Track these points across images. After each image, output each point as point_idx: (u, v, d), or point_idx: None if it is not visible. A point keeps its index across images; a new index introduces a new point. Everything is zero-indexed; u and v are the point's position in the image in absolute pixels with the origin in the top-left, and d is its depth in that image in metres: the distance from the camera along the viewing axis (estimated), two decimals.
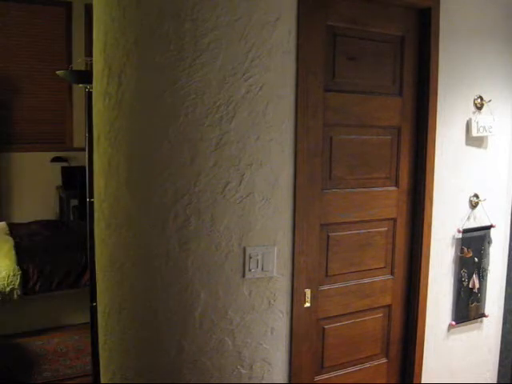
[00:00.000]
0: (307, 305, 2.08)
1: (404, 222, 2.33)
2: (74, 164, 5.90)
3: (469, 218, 2.49)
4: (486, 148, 2.51)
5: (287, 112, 1.92)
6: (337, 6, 2.03)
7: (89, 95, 2.54)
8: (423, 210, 2.31)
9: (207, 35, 1.75)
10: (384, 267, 2.31)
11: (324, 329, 2.18)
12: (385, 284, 2.32)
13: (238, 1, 1.78)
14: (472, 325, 2.60)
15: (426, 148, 2.28)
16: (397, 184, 2.29)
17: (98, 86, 1.88)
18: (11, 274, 3.73)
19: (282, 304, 2.01)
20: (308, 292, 2.08)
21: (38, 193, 5.90)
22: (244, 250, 1.89)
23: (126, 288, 1.87)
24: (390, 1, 2.14)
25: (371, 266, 2.26)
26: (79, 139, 5.92)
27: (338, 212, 2.14)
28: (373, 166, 2.21)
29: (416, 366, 2.40)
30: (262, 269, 1.93)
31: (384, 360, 2.38)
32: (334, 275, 2.18)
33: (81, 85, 2.80)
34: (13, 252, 3.93)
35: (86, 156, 2.61)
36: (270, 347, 2.00)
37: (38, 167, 5.87)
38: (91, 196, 2.49)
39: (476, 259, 2.52)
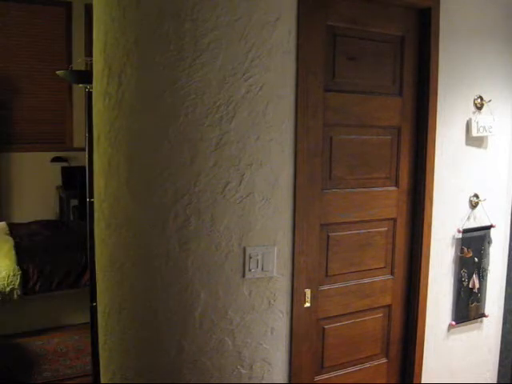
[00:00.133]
0: (307, 305, 2.08)
1: (404, 222, 2.33)
2: (74, 164, 5.90)
3: (469, 218, 2.49)
4: (486, 148, 2.51)
5: (287, 112, 1.92)
6: (337, 6, 2.03)
7: (89, 95, 2.54)
8: (423, 210, 2.31)
9: (207, 35, 1.75)
10: (384, 267, 2.31)
11: (324, 329, 2.18)
12: (385, 284, 2.32)
13: (237, 1, 1.78)
14: (472, 325, 2.60)
15: (426, 148, 2.28)
16: (397, 184, 2.29)
17: (98, 86, 1.88)
18: (11, 273, 3.73)
19: (282, 304, 2.01)
20: (308, 292, 2.08)
21: (38, 193, 5.90)
22: (244, 249, 1.89)
23: (126, 288, 1.87)
24: (390, 1, 2.14)
25: (371, 266, 2.26)
26: (79, 139, 5.92)
27: (338, 212, 2.14)
28: (373, 166, 2.21)
29: (416, 366, 2.40)
30: (262, 269, 1.93)
31: (384, 360, 2.38)
32: (334, 275, 2.18)
33: (81, 85, 2.80)
34: (13, 252, 3.93)
35: (86, 156, 2.61)
36: (270, 347, 2.00)
37: (38, 167, 5.87)
38: (91, 196, 2.49)
39: (476, 259, 2.52)
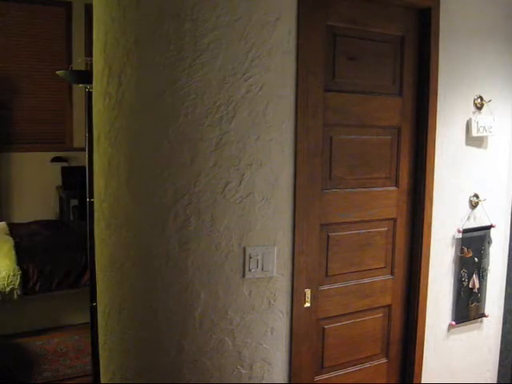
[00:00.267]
0: (307, 305, 2.08)
1: (404, 222, 2.33)
2: (74, 164, 5.90)
3: (469, 218, 2.49)
4: (486, 148, 2.51)
5: (287, 112, 1.92)
6: (337, 6, 2.03)
7: (89, 95, 2.54)
8: (423, 210, 2.31)
9: (207, 35, 1.75)
10: (384, 267, 2.31)
11: (324, 329, 2.18)
12: (385, 284, 2.32)
13: (237, 1, 1.78)
14: (472, 325, 2.60)
15: (426, 148, 2.28)
16: (397, 184, 2.29)
17: (98, 85, 1.88)
18: (11, 273, 3.73)
19: (282, 304, 2.01)
20: (308, 292, 2.08)
21: (38, 193, 5.90)
22: (244, 249, 1.89)
23: (126, 288, 1.87)
24: (390, 1, 2.14)
25: (371, 266, 2.26)
26: (79, 139, 5.92)
27: (338, 212, 2.14)
28: (373, 166, 2.21)
29: (416, 366, 2.40)
30: (262, 269, 1.93)
31: (384, 360, 2.38)
32: (334, 275, 2.18)
33: (81, 85, 2.80)
34: (13, 252, 3.93)
35: (86, 156, 2.61)
36: (270, 347, 2.00)
37: (37, 167, 5.87)
38: (91, 196, 2.49)
39: (476, 259, 2.52)
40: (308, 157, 1.99)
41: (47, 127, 5.93)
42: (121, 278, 1.87)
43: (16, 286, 3.72)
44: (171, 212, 1.80)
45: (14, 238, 4.23)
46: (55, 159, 5.87)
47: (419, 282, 2.35)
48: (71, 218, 5.62)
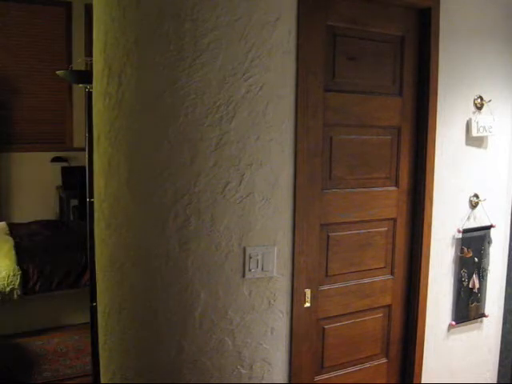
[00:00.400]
0: (307, 305, 2.08)
1: (404, 222, 2.33)
2: (74, 164, 5.90)
3: (469, 218, 2.49)
4: (486, 148, 2.51)
5: (287, 112, 1.92)
6: (337, 6, 2.03)
7: (89, 95, 2.54)
8: (423, 210, 2.31)
9: (207, 35, 1.75)
10: (384, 267, 2.31)
11: (324, 329, 2.18)
12: (385, 284, 2.32)
13: (237, 1, 1.78)
14: (472, 325, 2.60)
15: (426, 148, 2.28)
16: (397, 184, 2.29)
17: (98, 86, 1.88)
18: (11, 273, 3.73)
19: (282, 304, 2.01)
20: (308, 292, 2.08)
21: (38, 193, 5.90)
22: (244, 250, 1.89)
23: (126, 288, 1.87)
24: (390, 1, 2.14)
25: (371, 266, 2.26)
26: (79, 139, 5.92)
27: (338, 212, 2.14)
28: (373, 166, 2.21)
29: (416, 366, 2.40)
30: (262, 269, 1.93)
31: (384, 360, 2.38)
32: (334, 275, 2.18)
33: (81, 85, 2.80)
34: (13, 252, 3.93)
35: (86, 156, 2.61)
36: (270, 347, 2.00)
37: (37, 167, 5.87)
38: (91, 196, 2.49)
39: (476, 259, 2.52)
40: (308, 157, 1.99)
41: (47, 127, 5.93)
42: (121, 278, 1.87)
43: (16, 286, 3.72)
44: (171, 212, 1.80)
45: (14, 238, 4.23)
46: (55, 159, 5.87)
47: (419, 282, 2.35)
48: (71, 217, 5.62)
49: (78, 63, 3.80)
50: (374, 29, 2.14)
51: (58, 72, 2.82)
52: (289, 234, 1.98)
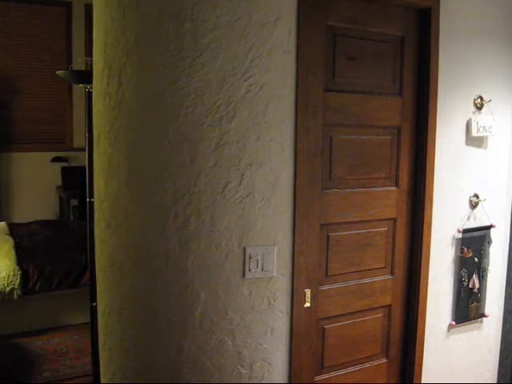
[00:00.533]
0: (307, 305, 2.08)
1: (404, 222, 2.33)
2: (74, 164, 5.90)
3: (469, 218, 2.49)
4: (486, 148, 2.51)
5: (287, 112, 1.92)
6: (337, 6, 2.03)
7: (89, 95, 2.54)
8: (423, 210, 2.31)
9: (207, 35, 1.75)
10: (384, 267, 2.31)
11: (324, 329, 2.18)
12: (385, 284, 2.32)
13: (237, 1, 1.78)
14: (472, 325, 2.60)
15: (426, 148, 2.28)
16: (397, 184, 2.29)
17: (98, 86, 1.88)
18: (11, 273, 3.73)
19: (282, 304, 2.01)
20: (308, 292, 2.08)
21: (38, 193, 5.90)
22: (244, 250, 1.89)
23: (126, 288, 1.87)
24: (390, 1, 2.14)
25: (371, 266, 2.26)
26: (79, 139, 5.92)
27: (338, 212, 2.14)
28: (373, 166, 2.21)
29: (416, 366, 2.40)
30: (262, 269, 1.93)
31: (384, 360, 2.38)
32: (334, 275, 2.18)
33: (81, 85, 2.80)
34: (13, 252, 3.93)
35: (86, 156, 2.61)
36: (270, 347, 2.00)
37: (37, 167, 5.87)
38: (91, 196, 2.49)
39: (476, 259, 2.52)
40: (308, 157, 1.99)
41: (47, 127, 5.93)
42: (121, 278, 1.87)
43: (16, 286, 3.72)
44: (171, 212, 1.80)
45: (14, 238, 4.23)
46: (55, 159, 5.87)
47: (419, 282, 2.35)
48: (71, 217, 5.62)
49: (78, 63, 3.80)
50: (374, 29, 2.14)
51: (57, 72, 2.82)
52: (289, 234, 1.98)
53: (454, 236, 2.46)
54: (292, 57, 1.91)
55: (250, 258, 1.90)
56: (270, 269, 1.95)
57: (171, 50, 1.73)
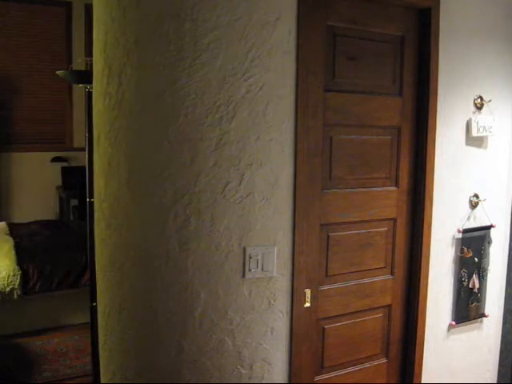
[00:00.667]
0: (307, 305, 2.08)
1: (404, 222, 2.33)
2: (74, 164, 5.90)
3: (469, 218, 2.49)
4: (486, 148, 2.51)
5: (287, 112, 1.92)
6: (337, 6, 2.03)
7: (89, 95, 2.54)
8: (423, 210, 2.31)
9: (207, 35, 1.75)
10: (384, 267, 2.31)
11: (324, 329, 2.18)
12: (385, 284, 2.32)
13: (237, 1, 1.78)
14: (472, 325, 2.60)
15: (426, 148, 2.28)
16: (397, 184, 2.29)
17: (98, 86, 1.88)
18: (11, 273, 3.73)
19: (282, 304, 2.01)
20: (308, 292, 2.08)
21: (38, 193, 5.90)
22: (244, 250, 1.89)
23: (126, 288, 1.87)
24: (390, 1, 2.14)
25: (371, 266, 2.26)
26: (79, 139, 5.92)
27: (338, 212, 2.14)
28: (373, 166, 2.21)
29: (416, 366, 2.40)
30: (262, 269, 1.93)
31: (384, 360, 2.38)
32: (334, 275, 2.18)
33: (81, 85, 2.80)
34: (13, 252, 3.93)
35: (86, 156, 2.61)
36: (270, 347, 2.00)
37: (37, 167, 5.87)
38: (91, 196, 2.49)
39: (476, 259, 2.52)
40: (308, 157, 1.99)
41: (47, 127, 5.93)
42: (121, 278, 1.87)
43: (16, 286, 3.72)
44: (171, 212, 1.80)
45: (14, 238, 4.23)
46: (55, 159, 5.87)
47: (419, 282, 2.35)
48: (71, 217, 5.62)
49: (78, 63, 3.80)
50: (374, 29, 2.14)
51: (57, 72, 2.82)
52: (289, 234, 1.98)
53: (453, 236, 2.46)
54: (292, 57, 1.91)
55: (250, 257, 1.90)
56: (270, 269, 1.95)
57: (171, 49, 1.73)
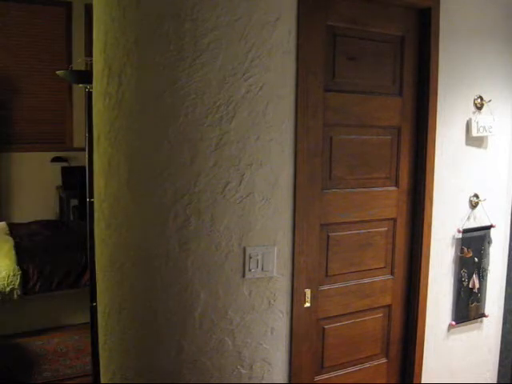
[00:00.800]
0: (307, 305, 2.08)
1: (404, 222, 2.33)
2: (74, 164, 5.90)
3: (469, 218, 2.49)
4: (486, 148, 2.51)
5: (287, 112, 1.92)
6: (337, 6, 2.03)
7: (89, 95, 2.54)
8: (423, 210, 2.31)
9: (207, 35, 1.75)
10: (384, 267, 2.31)
11: (324, 329, 2.18)
12: (385, 284, 2.32)
13: (237, 1, 1.78)
14: (472, 325, 2.60)
15: (426, 148, 2.28)
16: (397, 184, 2.29)
17: (98, 86, 1.88)
18: (11, 273, 3.73)
19: (282, 304, 2.01)
20: (308, 292, 2.08)
21: (38, 193, 5.90)
22: (244, 250, 1.89)
23: (126, 288, 1.87)
24: (390, 1, 2.14)
25: (371, 266, 2.26)
26: (79, 139, 5.92)
27: (338, 212, 2.14)
28: (373, 166, 2.21)
29: (416, 366, 2.40)
30: (262, 269, 1.93)
31: (384, 360, 2.38)
32: (334, 275, 2.18)
33: (81, 85, 2.80)
34: (13, 252, 3.93)
35: (86, 156, 2.61)
36: (270, 347, 2.00)
37: (37, 167, 5.87)
38: (91, 196, 2.49)
39: (476, 259, 2.52)
40: (308, 157, 1.99)
41: (47, 127, 5.93)
42: (121, 278, 1.87)
43: (16, 286, 3.72)
44: (171, 212, 1.80)
45: (14, 238, 4.23)
46: (55, 159, 5.87)
47: (419, 282, 2.35)
48: (71, 217, 5.62)
49: (78, 63, 3.80)
50: (374, 29, 2.13)
51: (57, 72, 2.82)
52: (289, 234, 1.98)
53: (454, 236, 2.46)
54: (292, 57, 1.91)
55: (250, 257, 1.90)
56: (270, 269, 1.95)
57: (171, 49, 1.73)
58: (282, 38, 1.87)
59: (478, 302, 2.57)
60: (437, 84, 2.27)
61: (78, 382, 3.33)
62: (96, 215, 1.98)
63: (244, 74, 1.82)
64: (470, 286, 2.52)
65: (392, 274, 2.34)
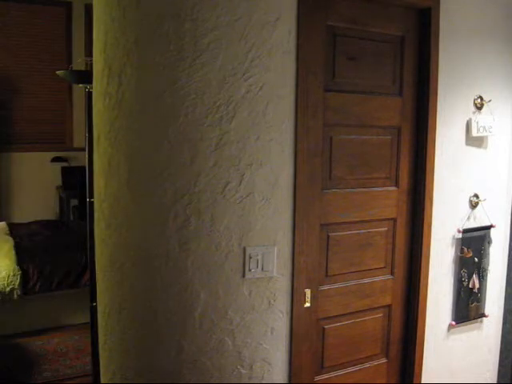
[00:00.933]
0: (307, 305, 2.08)
1: (404, 222, 2.33)
2: (74, 164, 5.90)
3: (469, 218, 2.49)
4: (486, 148, 2.51)
5: (287, 112, 1.92)
6: (337, 6, 2.03)
7: (89, 95, 2.54)
8: (423, 210, 2.31)
9: (207, 35, 1.75)
10: (384, 267, 2.31)
11: (324, 329, 2.18)
12: (385, 284, 2.32)
13: (237, 1, 1.78)
14: (472, 325, 2.60)
15: (426, 148, 2.28)
16: (397, 184, 2.29)
17: (98, 86, 1.88)
18: (11, 273, 3.73)
19: (282, 304, 2.01)
20: (308, 292, 2.08)
21: (38, 193, 5.90)
22: (244, 250, 1.89)
23: (126, 288, 1.87)
24: (390, 1, 2.14)
25: (371, 266, 2.26)
26: (79, 139, 5.92)
27: (338, 212, 2.14)
28: (373, 166, 2.21)
29: (416, 366, 2.40)
30: (262, 269, 1.93)
31: (384, 360, 2.38)
32: (334, 275, 2.18)
33: (81, 85, 2.80)
34: (13, 252, 3.93)
35: (86, 156, 2.61)
36: (270, 347, 2.00)
37: (37, 167, 5.87)
38: (91, 196, 2.49)
39: (476, 259, 2.52)
40: (308, 157, 1.99)
41: (47, 127, 5.93)
42: (121, 278, 1.87)
43: (16, 286, 3.72)
44: (171, 212, 1.80)
45: (14, 238, 4.23)
46: (55, 159, 5.87)
47: (419, 282, 2.35)
48: (71, 217, 5.62)
49: (78, 63, 3.80)
50: (374, 29, 2.14)
51: (57, 72, 2.82)
52: (289, 234, 1.98)
53: (454, 236, 2.46)
54: (292, 57, 1.91)
55: (250, 258, 1.90)
56: (270, 269, 1.95)
57: (171, 49, 1.73)
58: (281, 38, 1.87)
59: (477, 301, 2.57)
60: (437, 84, 2.28)
61: (78, 382, 3.33)
62: (96, 215, 1.98)
63: (244, 74, 1.82)
64: (470, 286, 2.52)
65: (392, 273, 2.34)
